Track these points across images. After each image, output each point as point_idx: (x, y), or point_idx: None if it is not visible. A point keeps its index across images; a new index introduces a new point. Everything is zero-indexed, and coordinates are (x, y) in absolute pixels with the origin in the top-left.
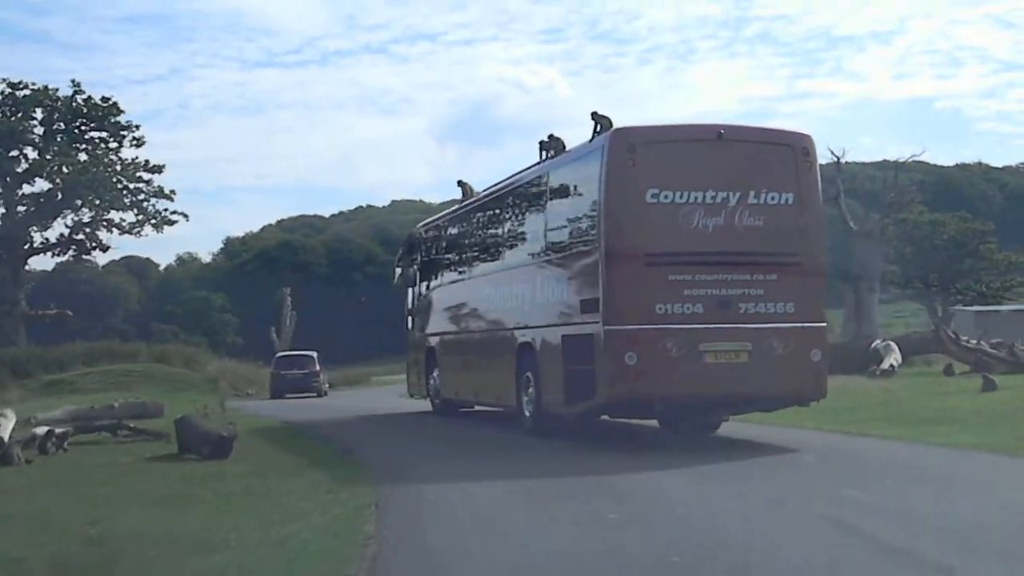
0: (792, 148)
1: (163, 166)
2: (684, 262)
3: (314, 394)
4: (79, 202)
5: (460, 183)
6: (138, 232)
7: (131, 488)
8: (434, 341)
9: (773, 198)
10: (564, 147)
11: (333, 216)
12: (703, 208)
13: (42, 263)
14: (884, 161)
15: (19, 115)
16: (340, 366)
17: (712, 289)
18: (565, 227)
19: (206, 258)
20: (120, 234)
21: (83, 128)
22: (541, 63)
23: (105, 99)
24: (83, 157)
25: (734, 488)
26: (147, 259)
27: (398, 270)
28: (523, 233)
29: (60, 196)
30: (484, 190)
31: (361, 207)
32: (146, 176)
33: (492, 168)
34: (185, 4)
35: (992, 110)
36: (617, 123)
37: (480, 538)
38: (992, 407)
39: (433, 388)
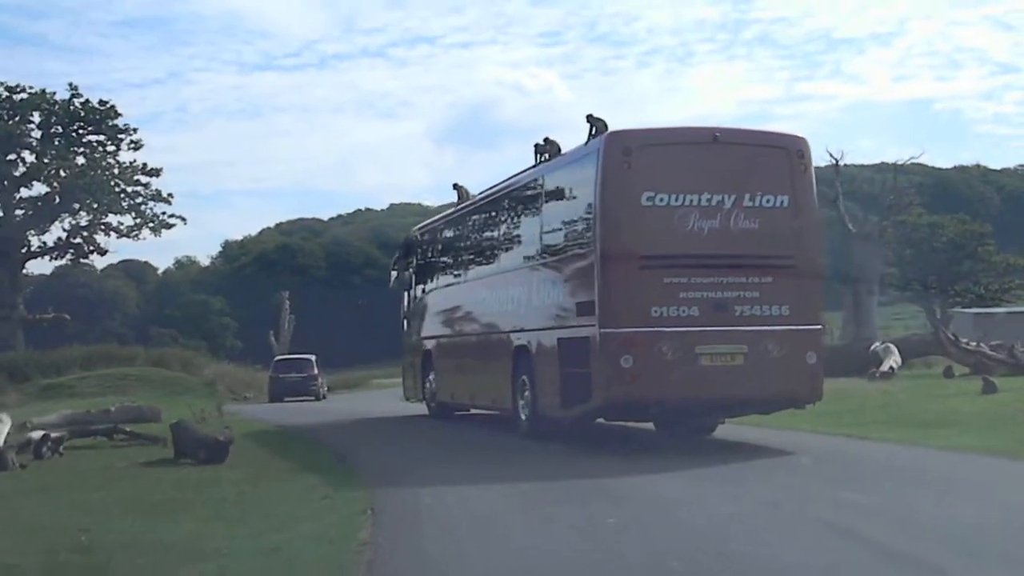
0: (787, 151)
1: (161, 169)
2: (680, 265)
3: (312, 398)
4: (77, 206)
5: (456, 186)
6: (136, 236)
7: (125, 494)
8: (430, 344)
9: (768, 201)
10: (559, 150)
11: (332, 219)
12: (698, 211)
13: (40, 267)
14: (883, 163)
15: (16, 119)
16: (339, 369)
17: (708, 292)
18: (561, 230)
19: (204, 262)
20: (118, 238)
21: (80, 131)
22: (540, 66)
23: (103, 102)
24: (81, 160)
25: (730, 491)
26: (145, 263)
27: (394, 273)
28: (519, 236)
29: (58, 200)
30: (480, 193)
31: (360, 210)
32: (144, 179)
33: (491, 171)
34: (183, 7)
35: (990, 112)
36: (615, 126)
37: (476, 544)
38: (993, 409)
39: (429, 391)
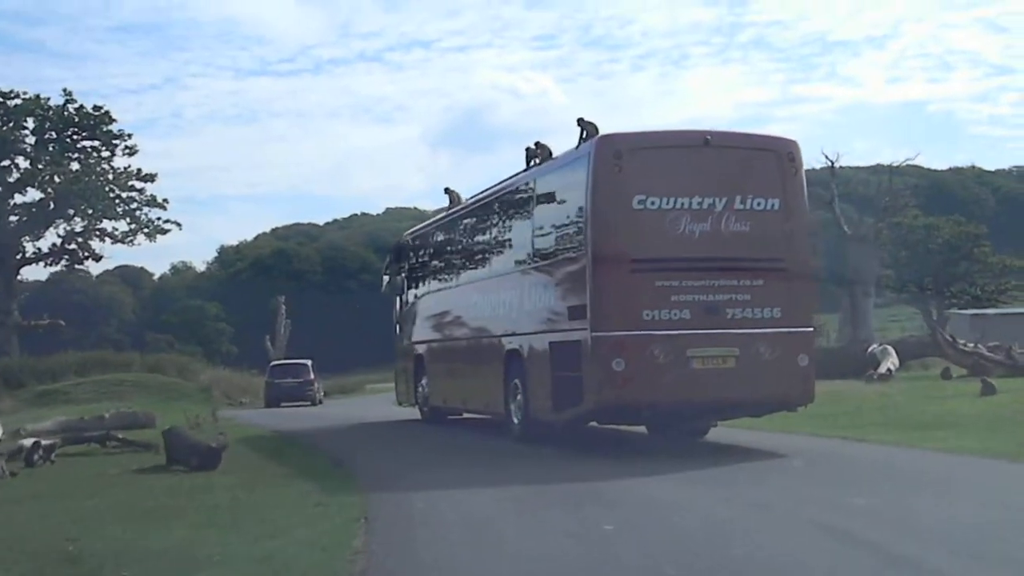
0: (777, 154)
1: (155, 175)
2: (671, 268)
3: (308, 403)
4: (71, 211)
5: (447, 190)
6: (131, 241)
7: (115, 501)
8: (422, 349)
9: (759, 204)
10: (551, 154)
11: (327, 224)
12: (690, 214)
13: (36, 273)
14: (878, 165)
15: (10, 124)
16: (335, 374)
17: (699, 295)
18: (552, 234)
19: (200, 267)
20: (113, 243)
21: (75, 137)
22: (535, 70)
23: (97, 108)
24: (75, 166)
25: (725, 494)
26: (141, 268)
27: (386, 278)
28: (510, 240)
29: (52, 206)
30: (471, 197)
31: (356, 215)
32: (139, 185)
33: (486, 175)
34: (179, 13)
35: (984, 114)
36: (610, 130)
37: (470, 550)
38: (992, 411)
39: (422, 396)
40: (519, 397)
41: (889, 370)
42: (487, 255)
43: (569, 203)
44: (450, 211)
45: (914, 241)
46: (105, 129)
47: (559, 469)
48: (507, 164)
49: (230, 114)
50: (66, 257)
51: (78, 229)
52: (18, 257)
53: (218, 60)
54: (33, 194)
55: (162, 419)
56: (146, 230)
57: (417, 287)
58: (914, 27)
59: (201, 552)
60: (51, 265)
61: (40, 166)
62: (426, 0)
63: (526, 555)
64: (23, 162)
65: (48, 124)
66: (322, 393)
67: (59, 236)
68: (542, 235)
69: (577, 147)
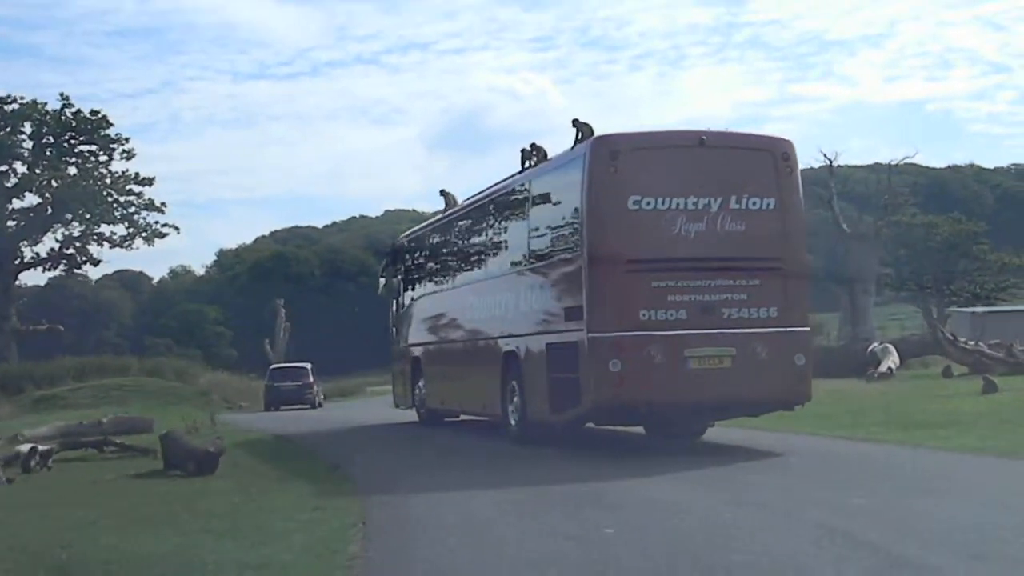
0: (772, 153)
1: (153, 178)
2: (667, 268)
3: (308, 406)
4: (69, 216)
5: (443, 192)
6: (129, 245)
7: (110, 508)
8: (419, 351)
9: (755, 203)
10: (546, 155)
11: (326, 227)
12: (685, 214)
13: (34, 278)
14: (876, 164)
15: (8, 129)
16: (335, 377)
17: (695, 295)
18: (548, 235)
19: (199, 271)
20: (111, 247)
21: (72, 141)
22: (532, 71)
23: (94, 112)
24: (73, 171)
25: (725, 495)
26: (140, 273)
27: (382, 280)
28: (506, 242)
29: (50, 210)
30: (467, 199)
31: (354, 217)
32: (136, 189)
33: (485, 177)
34: (176, 17)
35: (983, 112)
36: (608, 130)
37: (469, 555)
38: (994, 409)
39: (419, 398)
40: (516, 399)
41: (890, 369)
42: (483, 257)
43: (565, 204)
44: (446, 213)
45: (913, 239)
46: (103, 133)
47: (558, 471)
48: (505, 165)
49: (228, 117)
50: (64, 262)
51: (76, 233)
52: (16, 262)
53: (216, 64)
54: (31, 199)
55: (160, 423)
56: (144, 234)
57: (413, 289)
58: (912, 26)
59: (195, 559)
60: (49, 270)
61: (38, 171)
62: (423, 2)
63: (526, 559)
64: (21, 167)
65: (46, 129)
66: (322, 396)
67: (57, 241)
68: (538, 236)
69: (572, 148)
